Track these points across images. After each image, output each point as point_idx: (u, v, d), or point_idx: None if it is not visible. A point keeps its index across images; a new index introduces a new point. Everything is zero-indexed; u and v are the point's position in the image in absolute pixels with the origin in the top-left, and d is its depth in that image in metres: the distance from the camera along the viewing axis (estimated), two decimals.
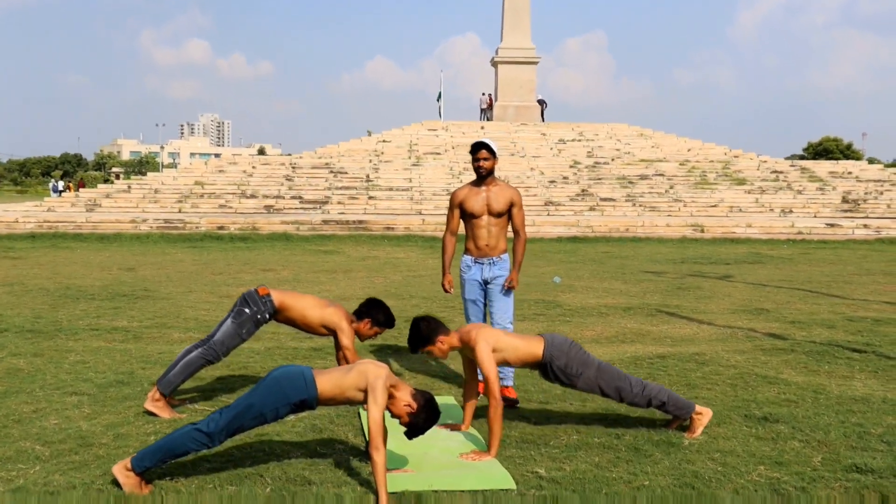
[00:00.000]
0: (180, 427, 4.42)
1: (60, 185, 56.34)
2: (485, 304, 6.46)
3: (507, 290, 6.37)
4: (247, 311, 5.79)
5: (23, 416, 5.53)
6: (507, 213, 6.36)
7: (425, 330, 5.15)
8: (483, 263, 6.36)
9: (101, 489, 4.26)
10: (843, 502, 4.18)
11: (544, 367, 5.25)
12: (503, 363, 5.26)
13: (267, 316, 5.83)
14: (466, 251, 6.45)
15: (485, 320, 6.48)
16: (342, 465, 4.65)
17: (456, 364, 7.39)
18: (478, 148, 6.24)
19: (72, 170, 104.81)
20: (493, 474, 4.53)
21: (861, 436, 5.21)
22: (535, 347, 5.23)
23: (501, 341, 5.18)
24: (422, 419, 4.45)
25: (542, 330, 8.91)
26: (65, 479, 4.40)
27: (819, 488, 4.35)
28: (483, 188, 6.33)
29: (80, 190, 40.68)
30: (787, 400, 6.08)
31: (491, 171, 6.29)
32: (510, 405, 6.00)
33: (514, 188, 6.48)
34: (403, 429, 4.78)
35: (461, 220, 6.48)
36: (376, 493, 4.16)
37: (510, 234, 6.47)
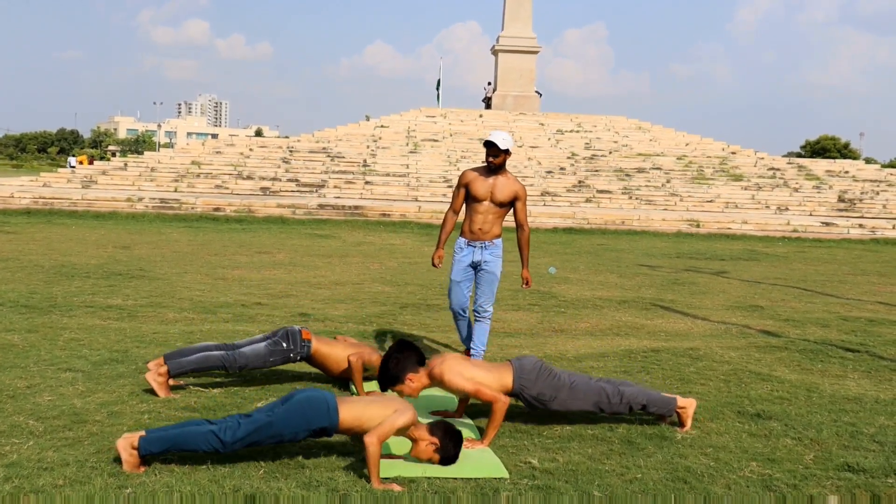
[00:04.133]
0: (196, 422, 4.40)
1: (74, 161, 58.28)
2: (470, 289, 6.76)
3: (497, 277, 6.70)
4: (284, 346, 5.84)
5: (17, 392, 5.53)
6: (509, 206, 6.61)
7: (394, 369, 4.94)
8: (475, 246, 6.66)
9: (95, 466, 4.26)
10: (834, 501, 4.20)
11: (517, 397, 5.19)
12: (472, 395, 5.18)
13: (299, 358, 5.92)
14: (461, 233, 6.74)
15: (468, 303, 6.81)
16: (336, 450, 4.65)
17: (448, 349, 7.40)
18: (489, 146, 6.48)
19: (68, 146, 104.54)
20: (487, 463, 4.53)
21: (853, 435, 5.24)
22: (504, 378, 5.11)
23: (468, 372, 5.04)
24: (451, 449, 4.45)
25: (537, 321, 8.93)
26: (58, 455, 4.40)
27: (811, 486, 4.37)
28: (492, 177, 6.58)
29: (91, 165, 41.54)
30: (781, 397, 6.11)
31: (502, 165, 6.57)
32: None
33: (521, 183, 6.70)
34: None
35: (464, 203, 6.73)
36: (369, 479, 4.17)
37: (508, 226, 6.62)
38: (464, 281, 6.73)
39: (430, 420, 4.73)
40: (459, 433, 4.52)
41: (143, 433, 4.30)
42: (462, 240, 6.73)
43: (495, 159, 6.49)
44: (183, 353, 5.73)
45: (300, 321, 8.28)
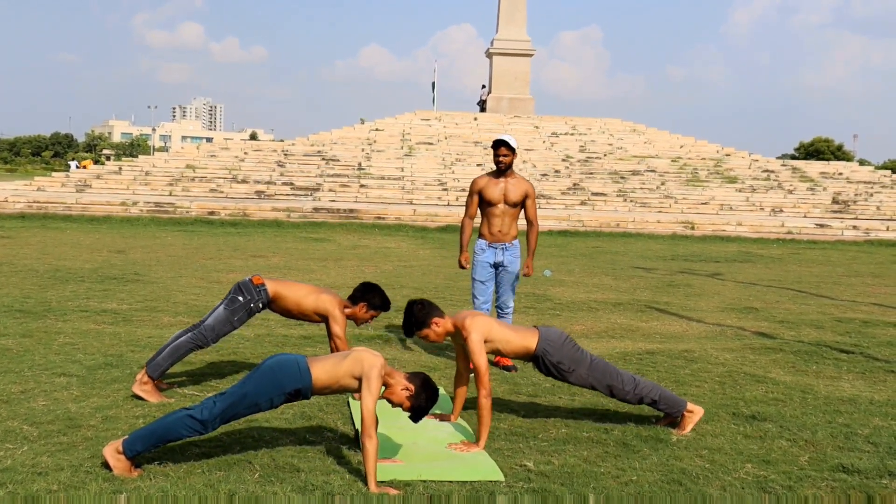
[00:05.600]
0: (173, 412, 4.41)
1: (74, 164, 58.55)
2: (492, 287, 7.08)
3: (517, 276, 7.04)
4: (240, 299, 5.78)
5: (11, 397, 5.51)
6: (521, 205, 6.98)
7: (419, 313, 5.11)
8: (496, 248, 6.99)
9: (90, 471, 4.24)
10: (829, 502, 4.21)
11: (537, 360, 5.26)
12: (494, 353, 5.27)
13: (260, 305, 5.84)
14: (481, 235, 7.07)
15: (491, 301, 7.09)
16: (331, 453, 4.65)
17: (445, 354, 7.40)
18: (498, 145, 6.81)
19: (62, 150, 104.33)
20: (482, 466, 4.54)
21: (848, 436, 5.25)
22: (528, 340, 5.23)
23: (495, 332, 5.17)
24: (423, 400, 4.45)
25: (532, 324, 8.92)
26: (52, 460, 4.39)
27: (806, 487, 4.38)
28: (501, 179, 6.92)
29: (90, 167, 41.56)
30: (775, 399, 6.11)
31: (510, 166, 6.91)
32: (508, 370, 6.72)
33: (529, 182, 7.10)
34: (395, 418, 4.79)
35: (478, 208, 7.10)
36: (365, 481, 4.17)
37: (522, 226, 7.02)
38: (488, 280, 7.04)
39: (412, 371, 4.72)
40: (436, 390, 4.51)
41: (125, 437, 4.30)
42: (483, 241, 7.03)
43: (506, 158, 6.81)
44: (157, 355, 5.73)
45: (294, 324, 8.27)
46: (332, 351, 5.94)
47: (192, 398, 5.68)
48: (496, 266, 7.00)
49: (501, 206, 6.89)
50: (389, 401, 4.48)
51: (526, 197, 6.93)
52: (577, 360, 5.25)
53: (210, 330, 5.75)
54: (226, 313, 5.78)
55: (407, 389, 4.44)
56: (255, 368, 4.46)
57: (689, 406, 5.34)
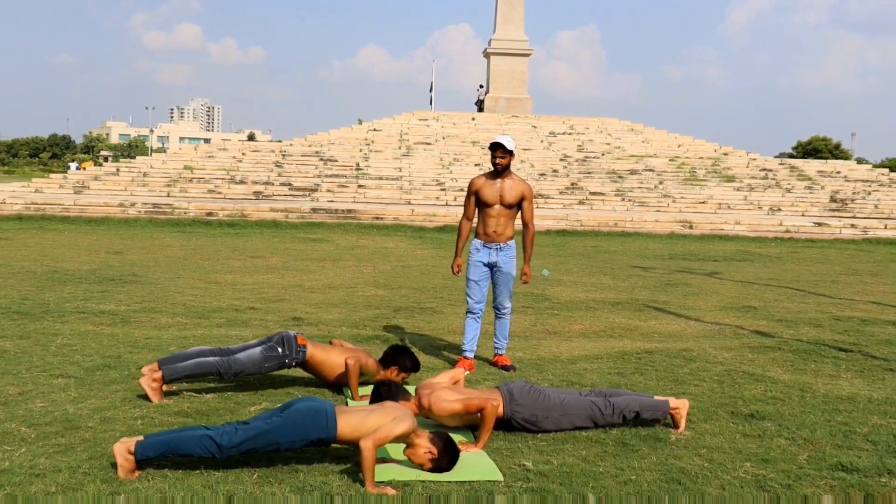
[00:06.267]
0: (193, 427, 4.39)
1: (73, 166, 58.52)
2: (487, 287, 7.04)
3: (513, 277, 7.01)
4: (280, 351, 5.82)
5: (8, 398, 5.50)
6: (518, 206, 6.94)
7: (385, 396, 5.01)
8: (491, 248, 6.93)
9: (88, 472, 4.24)
10: (828, 500, 4.20)
11: (508, 423, 5.16)
12: (465, 423, 5.14)
13: (294, 364, 5.89)
14: (476, 235, 7.04)
15: (485, 301, 7.04)
16: (329, 454, 4.64)
17: (443, 356, 7.40)
18: (495, 147, 6.78)
19: (60, 152, 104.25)
20: (481, 466, 4.53)
21: (847, 435, 5.24)
22: (494, 402, 5.06)
23: (454, 396, 5.07)
24: (445, 462, 4.44)
25: (531, 324, 8.93)
26: (50, 462, 4.38)
27: (804, 486, 4.37)
28: (498, 180, 6.89)
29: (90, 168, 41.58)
30: (774, 398, 6.11)
31: (507, 167, 6.88)
32: (506, 370, 6.78)
33: (527, 183, 7.02)
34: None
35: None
36: (363, 482, 4.16)
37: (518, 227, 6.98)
38: (482, 280, 6.98)
39: (435, 430, 4.69)
40: (457, 451, 4.50)
41: (140, 438, 4.28)
42: (478, 241, 6.99)
43: (502, 160, 6.78)
44: (178, 359, 5.71)
45: (293, 325, 8.27)
46: (345, 364, 5.92)
47: (190, 399, 5.67)
48: (491, 266, 6.96)
49: (498, 206, 6.86)
50: (410, 460, 4.48)
51: (523, 198, 6.89)
52: (547, 406, 5.15)
53: (239, 365, 5.73)
54: (260, 358, 5.79)
55: (430, 453, 4.43)
56: (283, 407, 4.48)
57: (673, 403, 5.32)
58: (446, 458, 4.44)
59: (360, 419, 4.45)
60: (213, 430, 4.30)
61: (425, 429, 4.62)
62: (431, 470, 4.44)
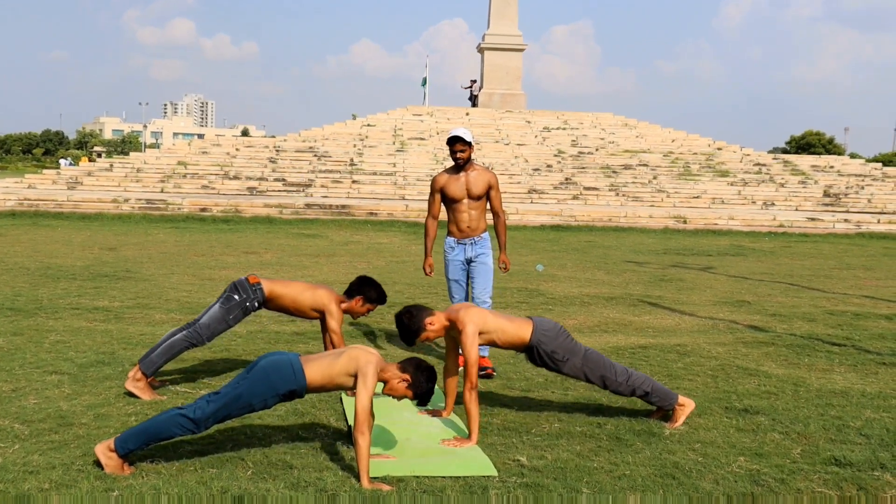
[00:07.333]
0: (166, 411, 4.39)
1: (65, 162, 58.22)
2: (467, 283, 6.86)
3: (491, 268, 6.80)
4: (236, 297, 5.77)
5: (2, 395, 5.49)
6: (486, 196, 6.77)
7: (410, 322, 5.05)
8: (466, 244, 6.77)
9: (81, 469, 4.23)
10: (822, 494, 4.21)
11: (531, 351, 5.25)
12: (490, 344, 5.26)
13: (256, 304, 5.83)
14: (449, 233, 6.85)
15: (467, 299, 6.85)
16: (324, 450, 4.64)
17: (437, 353, 7.40)
18: (454, 141, 6.60)
19: (53, 148, 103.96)
20: (475, 461, 4.53)
21: (840, 429, 5.26)
22: (523, 330, 5.22)
23: (489, 323, 5.16)
24: (423, 382, 4.42)
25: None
26: (44, 458, 4.37)
27: (798, 480, 4.38)
28: (462, 174, 6.72)
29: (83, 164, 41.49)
30: (768, 392, 6.13)
31: (468, 160, 6.69)
32: (485, 377, 6.38)
33: (492, 172, 6.87)
34: (388, 414, 4.76)
35: (442, 205, 6.85)
36: (358, 478, 4.16)
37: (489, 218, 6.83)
38: (461, 278, 6.86)
39: (401, 359, 4.69)
40: (432, 368, 4.49)
41: (116, 435, 4.29)
42: (451, 239, 6.83)
43: (463, 153, 6.61)
44: (151, 352, 5.71)
45: (287, 320, 8.26)
46: (326, 346, 5.94)
47: (185, 395, 5.67)
48: (468, 261, 6.80)
49: (466, 200, 6.69)
50: (392, 395, 4.47)
51: (490, 188, 6.73)
52: (571, 350, 5.26)
53: (205, 328, 5.74)
54: (221, 311, 5.76)
55: (404, 380, 4.42)
56: (249, 368, 4.43)
57: (681, 399, 5.35)
58: (422, 377, 4.42)
59: (326, 365, 4.40)
60: (186, 408, 4.29)
61: (391, 362, 4.58)
62: (415, 397, 4.43)
